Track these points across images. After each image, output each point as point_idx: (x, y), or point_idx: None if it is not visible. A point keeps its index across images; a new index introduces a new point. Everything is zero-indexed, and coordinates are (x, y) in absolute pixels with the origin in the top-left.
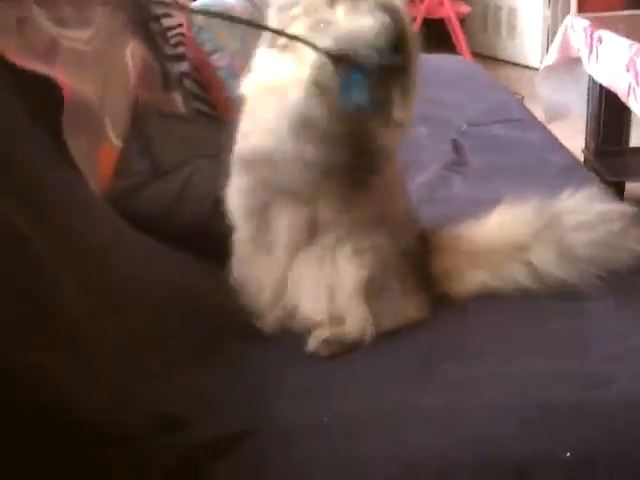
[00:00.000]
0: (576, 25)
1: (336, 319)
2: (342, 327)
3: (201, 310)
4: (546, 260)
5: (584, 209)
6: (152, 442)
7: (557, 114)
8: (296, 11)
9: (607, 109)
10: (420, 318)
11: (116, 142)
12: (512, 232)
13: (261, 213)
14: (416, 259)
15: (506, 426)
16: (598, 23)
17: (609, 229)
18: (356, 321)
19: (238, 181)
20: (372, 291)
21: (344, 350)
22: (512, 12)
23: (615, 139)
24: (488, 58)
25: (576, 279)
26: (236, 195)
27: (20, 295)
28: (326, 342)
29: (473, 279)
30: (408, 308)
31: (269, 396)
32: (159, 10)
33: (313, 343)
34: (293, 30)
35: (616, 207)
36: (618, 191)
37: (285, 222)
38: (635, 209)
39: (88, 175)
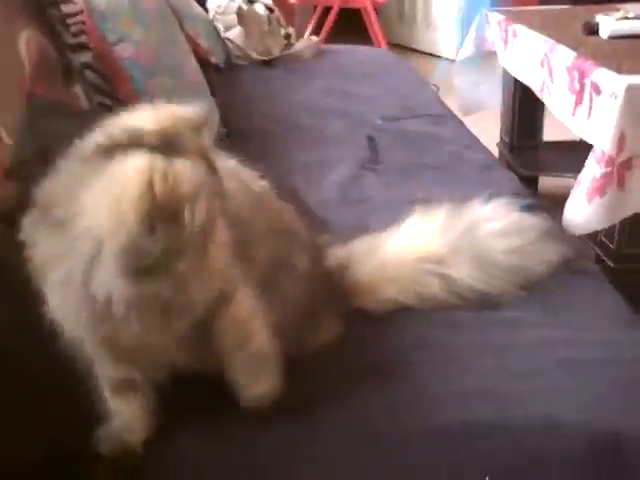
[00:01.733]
0: (491, 19)
1: None
2: None
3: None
4: (462, 272)
5: (499, 217)
6: None
7: (472, 107)
8: None
9: (521, 103)
10: (333, 338)
11: (6, 139)
12: (426, 243)
13: None
14: (322, 275)
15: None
16: (513, 17)
17: (525, 237)
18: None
19: None
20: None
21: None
22: (427, 2)
23: (529, 134)
24: (404, 48)
25: (493, 290)
26: None
27: None
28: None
29: (387, 294)
30: (317, 333)
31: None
32: None
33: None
34: None
35: (529, 217)
36: (532, 185)
37: None
38: (550, 222)
39: None
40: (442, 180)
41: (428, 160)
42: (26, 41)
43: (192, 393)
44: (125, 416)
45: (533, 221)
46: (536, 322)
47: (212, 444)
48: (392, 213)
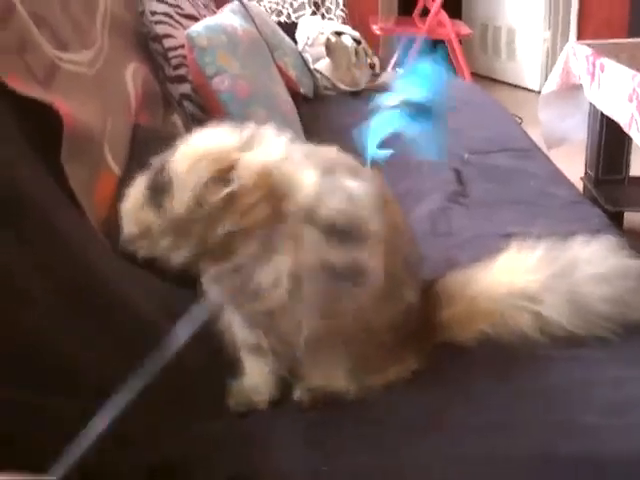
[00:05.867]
0: (578, 52)
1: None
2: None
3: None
4: (556, 312)
5: (599, 261)
6: None
7: (557, 141)
8: None
9: (607, 137)
10: (417, 367)
11: (115, 170)
12: (520, 278)
13: None
14: (415, 310)
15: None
16: (600, 50)
17: (625, 285)
18: (339, 379)
19: None
20: (360, 368)
21: (328, 400)
22: (511, 33)
23: (615, 168)
24: (487, 79)
25: (585, 333)
26: None
27: (10, 334)
28: (310, 391)
29: (476, 328)
30: (406, 368)
31: (263, 444)
32: (161, 31)
33: (297, 392)
34: None
35: (633, 262)
36: (617, 220)
37: None
38: None
39: (86, 204)
40: (529, 215)
41: (514, 194)
42: (132, 74)
43: None
44: (255, 377)
45: (635, 268)
46: (620, 359)
47: None
48: (479, 247)
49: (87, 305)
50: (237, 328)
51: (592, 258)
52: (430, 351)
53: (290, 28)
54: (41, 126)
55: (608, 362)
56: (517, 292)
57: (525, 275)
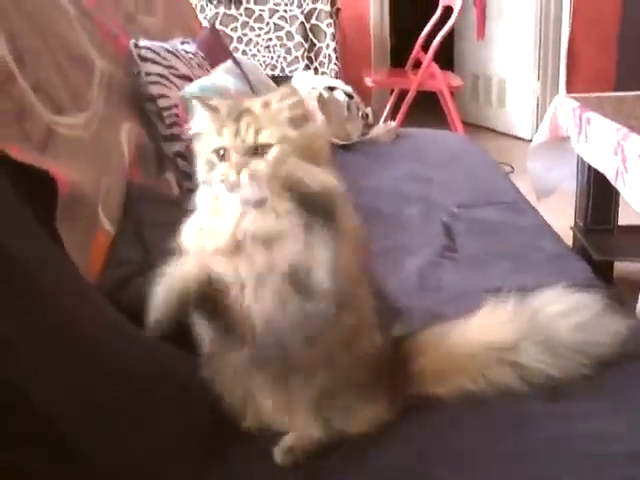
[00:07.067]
0: (565, 105)
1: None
2: (305, 435)
3: (188, 405)
4: (531, 355)
5: (561, 299)
6: None
7: (547, 192)
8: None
9: (596, 188)
10: (392, 417)
11: (109, 229)
12: (494, 331)
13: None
14: (386, 354)
15: None
16: (587, 104)
17: (590, 311)
18: (315, 431)
19: None
20: (327, 404)
21: (310, 455)
22: (502, 83)
23: (604, 218)
24: (479, 128)
25: (561, 372)
26: None
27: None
28: (290, 451)
29: (454, 382)
30: (376, 411)
31: None
32: (155, 91)
33: (278, 453)
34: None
35: (591, 295)
36: (607, 270)
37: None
38: (607, 300)
39: (81, 264)
40: (515, 269)
41: (502, 248)
42: (126, 133)
43: None
44: None
45: (592, 298)
46: (599, 413)
47: None
48: (466, 301)
49: (72, 364)
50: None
51: (554, 298)
52: (405, 402)
53: (284, 82)
54: (36, 191)
55: (590, 416)
56: (493, 345)
57: (499, 328)
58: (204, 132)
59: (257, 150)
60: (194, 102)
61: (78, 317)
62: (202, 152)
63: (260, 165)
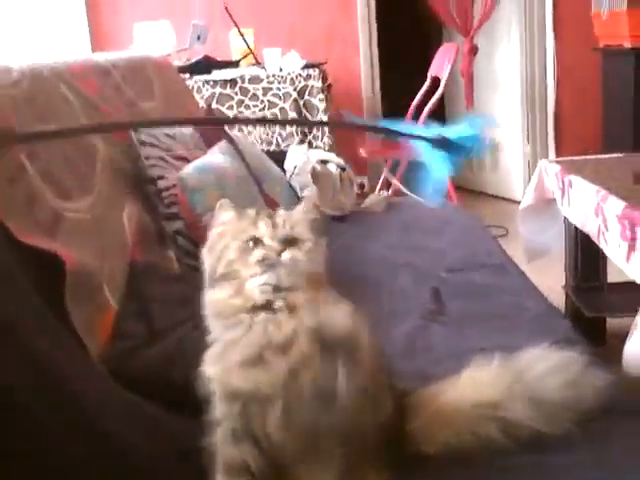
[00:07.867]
0: (549, 169)
1: None
2: None
3: None
4: (518, 413)
5: (550, 356)
6: None
7: (538, 253)
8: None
9: (583, 247)
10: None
11: (114, 305)
12: (482, 390)
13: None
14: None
15: None
16: (568, 167)
17: (574, 369)
18: None
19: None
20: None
21: None
22: (494, 147)
23: (593, 276)
24: (473, 192)
25: (549, 428)
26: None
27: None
28: None
29: (442, 438)
30: (376, 471)
31: None
32: (154, 173)
33: None
34: (227, 259)
35: (573, 353)
36: (600, 326)
37: None
38: (589, 356)
39: (88, 341)
40: (502, 330)
41: (489, 310)
42: (128, 214)
43: None
44: None
45: (576, 356)
46: (584, 464)
47: None
48: (455, 363)
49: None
50: (223, 446)
51: (539, 357)
52: (402, 463)
53: (280, 156)
54: (45, 273)
55: (575, 467)
56: (479, 402)
57: (486, 387)
58: (228, 229)
59: (290, 243)
60: (221, 202)
61: (81, 398)
62: (226, 248)
63: (297, 253)
